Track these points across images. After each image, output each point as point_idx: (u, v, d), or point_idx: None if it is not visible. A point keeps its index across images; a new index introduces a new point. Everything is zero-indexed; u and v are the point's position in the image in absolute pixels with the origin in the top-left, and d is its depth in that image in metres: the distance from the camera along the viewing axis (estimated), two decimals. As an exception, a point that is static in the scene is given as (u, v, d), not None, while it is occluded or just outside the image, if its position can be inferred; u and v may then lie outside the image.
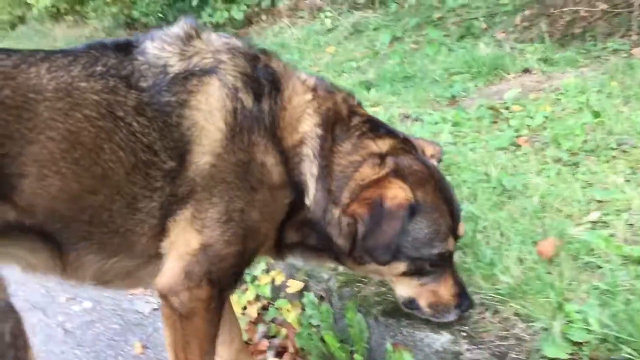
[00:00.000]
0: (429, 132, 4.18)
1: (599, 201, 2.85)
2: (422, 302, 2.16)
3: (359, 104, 2.18)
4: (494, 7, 6.64)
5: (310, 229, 2.07)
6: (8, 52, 1.71)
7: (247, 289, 3.14)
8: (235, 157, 1.81)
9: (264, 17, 9.88)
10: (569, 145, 3.49)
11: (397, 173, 1.98)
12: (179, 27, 1.95)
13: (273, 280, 3.03)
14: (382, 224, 1.89)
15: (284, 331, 2.82)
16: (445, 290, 2.13)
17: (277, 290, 3.07)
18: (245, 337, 2.84)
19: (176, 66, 1.83)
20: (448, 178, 2.37)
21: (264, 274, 3.12)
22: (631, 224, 2.60)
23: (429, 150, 2.19)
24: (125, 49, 1.85)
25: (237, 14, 9.80)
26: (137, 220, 1.80)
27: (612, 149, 3.38)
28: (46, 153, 1.62)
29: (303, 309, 2.77)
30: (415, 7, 7.58)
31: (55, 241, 1.78)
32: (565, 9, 5.36)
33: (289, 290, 2.87)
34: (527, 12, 5.91)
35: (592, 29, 5.48)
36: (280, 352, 2.76)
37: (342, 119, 2.05)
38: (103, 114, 1.69)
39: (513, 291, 2.24)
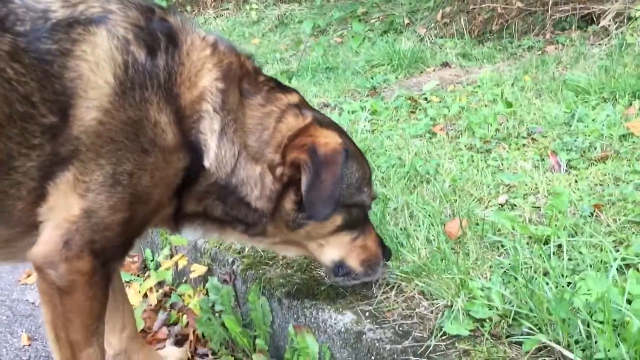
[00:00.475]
0: (347, 120, 4.12)
1: (508, 185, 2.86)
2: (353, 262, 2.10)
3: (260, 68, 2.07)
4: (417, 4, 6.71)
5: (215, 198, 1.89)
6: None
7: (149, 276, 2.96)
8: (125, 114, 1.63)
9: (188, 7, 9.63)
10: (482, 134, 3.51)
11: (319, 122, 1.95)
12: None
13: (177, 265, 2.87)
14: (321, 172, 1.81)
15: (185, 318, 2.66)
16: (372, 242, 2.11)
17: (181, 276, 2.91)
18: (142, 325, 2.66)
19: (59, 12, 1.63)
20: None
21: (167, 259, 2.95)
22: (537, 207, 2.62)
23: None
24: None
25: (161, 2, 9.49)
26: (12, 181, 1.59)
27: (523, 137, 3.42)
28: None
29: (207, 295, 2.63)
30: (340, 2, 7.56)
31: None
32: (484, 5, 5.45)
33: (193, 275, 2.71)
34: (447, 9, 5.99)
35: (509, 27, 5.61)
36: (181, 340, 2.60)
37: (249, 73, 1.93)
38: None
39: (418, 270, 2.19)
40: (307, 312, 2.20)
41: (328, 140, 1.87)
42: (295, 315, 2.25)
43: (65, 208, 1.63)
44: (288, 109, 1.94)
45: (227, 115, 1.81)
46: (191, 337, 2.55)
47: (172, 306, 2.78)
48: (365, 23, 6.82)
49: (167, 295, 2.87)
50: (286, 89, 2.03)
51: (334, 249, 2.08)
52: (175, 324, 2.69)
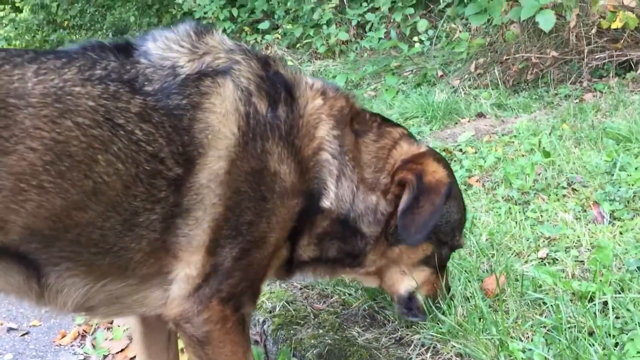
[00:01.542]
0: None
1: (548, 238, 2.75)
2: (422, 293, 2.15)
3: (363, 106, 2.15)
4: (450, 56, 6.72)
5: (332, 237, 1.94)
6: None
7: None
8: (248, 165, 1.66)
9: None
10: (520, 184, 3.42)
11: (433, 155, 2.04)
12: (186, 26, 1.80)
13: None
14: (421, 198, 1.88)
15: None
16: (441, 281, 2.17)
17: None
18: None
19: (187, 67, 1.67)
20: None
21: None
22: (580, 261, 2.50)
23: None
24: (126, 50, 1.68)
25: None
26: (135, 236, 1.59)
27: (563, 187, 3.31)
28: (25, 165, 1.42)
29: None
30: (373, 56, 7.65)
31: (32, 262, 1.54)
32: (517, 55, 5.42)
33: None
34: (480, 60, 5.98)
35: (544, 76, 5.55)
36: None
37: (358, 113, 2.01)
38: (99, 122, 1.50)
39: (455, 330, 2.08)
40: (339, 375, 2.11)
41: (437, 171, 1.94)
42: (327, 378, 2.16)
43: (195, 264, 1.67)
44: (402, 137, 2.04)
45: (344, 157, 1.88)
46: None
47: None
48: (398, 76, 6.86)
49: None
50: (393, 123, 2.13)
51: (412, 278, 2.11)
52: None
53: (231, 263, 1.69)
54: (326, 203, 1.86)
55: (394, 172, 1.96)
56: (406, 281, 2.13)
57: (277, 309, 2.58)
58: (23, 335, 3.45)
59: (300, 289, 2.77)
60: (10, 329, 3.53)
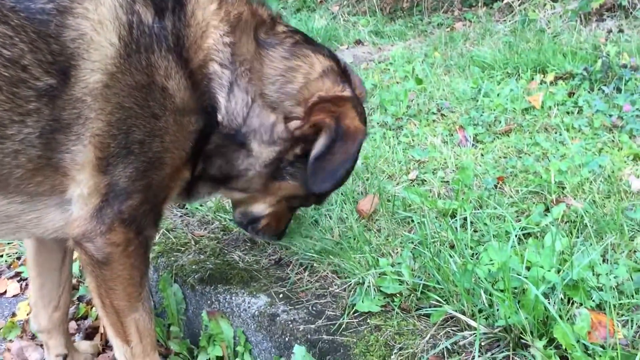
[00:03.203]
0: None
1: (419, 161, 2.92)
2: (263, 222, 2.18)
3: (280, 16, 1.99)
4: (330, -19, 6.68)
5: (217, 154, 1.87)
6: None
7: (55, 269, 2.82)
8: (132, 79, 1.56)
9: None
10: (394, 111, 3.56)
11: (355, 103, 1.91)
12: None
13: (83, 257, 2.75)
14: (336, 145, 1.82)
15: (94, 311, 2.56)
16: (286, 219, 2.21)
17: (90, 268, 2.79)
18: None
19: None
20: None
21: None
22: (446, 181, 2.69)
23: (357, 90, 2.04)
24: None
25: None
26: (7, 149, 1.49)
27: (433, 113, 3.50)
28: None
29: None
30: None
31: None
32: (394, -17, 5.50)
33: (101, 266, 2.60)
34: (360, -14, 6.01)
35: (419, 4, 5.70)
36: (91, 333, 2.50)
37: (264, 23, 1.86)
38: None
39: (331, 249, 2.20)
40: (221, 298, 2.17)
41: (355, 119, 1.86)
42: (209, 301, 2.21)
43: (90, 184, 1.61)
44: (328, 71, 1.90)
45: (237, 66, 1.77)
46: (102, 330, 2.46)
47: (79, 299, 2.67)
48: (278, 1, 6.73)
49: (74, 288, 2.75)
50: (316, 46, 1.97)
51: (266, 206, 2.12)
52: (84, 317, 2.59)
53: (127, 183, 1.65)
54: (219, 117, 1.78)
55: (310, 108, 1.85)
56: (260, 205, 2.13)
57: (158, 237, 2.56)
58: None
59: (181, 216, 2.76)
60: None
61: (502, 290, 1.74)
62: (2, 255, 3.18)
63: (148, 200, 1.73)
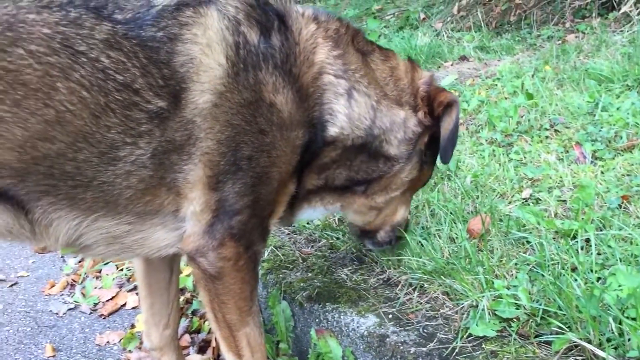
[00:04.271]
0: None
1: (532, 179, 2.78)
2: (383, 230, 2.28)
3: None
4: (432, -2, 6.63)
5: (339, 165, 1.96)
6: None
7: (170, 283, 2.94)
8: (240, 96, 1.63)
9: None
10: (503, 127, 3.44)
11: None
12: None
13: (196, 272, 2.84)
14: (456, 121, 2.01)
15: (207, 325, 2.64)
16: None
17: (202, 283, 2.88)
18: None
19: None
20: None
21: (186, 266, 2.93)
22: (563, 200, 2.54)
23: None
24: None
25: None
26: (120, 171, 1.57)
27: (545, 129, 3.33)
28: None
29: (228, 301, 2.59)
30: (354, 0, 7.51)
31: (14, 199, 1.54)
32: (500, -4, 5.36)
33: (213, 281, 2.68)
34: (463, 2, 5.90)
35: (527, 17, 5.50)
36: (204, 347, 2.58)
37: (357, 34, 1.98)
38: (55, 49, 1.44)
39: (442, 269, 2.13)
40: (329, 316, 2.16)
41: (446, 91, 2.07)
42: (317, 320, 2.21)
43: (202, 201, 1.68)
44: (410, 62, 2.09)
45: (352, 74, 1.87)
46: (213, 344, 2.53)
47: (193, 313, 2.76)
48: (380, 20, 6.76)
49: (188, 302, 2.85)
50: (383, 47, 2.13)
51: (404, 210, 2.25)
52: (197, 331, 2.67)
53: (236, 199, 1.70)
54: (334, 130, 1.85)
55: (429, 94, 2.02)
56: (404, 209, 2.25)
57: (266, 254, 2.61)
58: (11, 286, 3.46)
59: (288, 234, 2.80)
60: (-2, 281, 3.55)
61: (633, 319, 1.60)
62: (122, 269, 3.36)
63: (256, 215, 1.78)
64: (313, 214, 2.13)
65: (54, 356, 2.70)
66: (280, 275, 2.45)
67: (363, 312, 2.09)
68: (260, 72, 1.67)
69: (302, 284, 2.35)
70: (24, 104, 1.41)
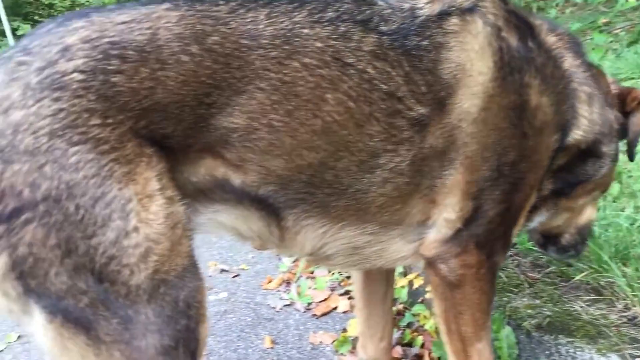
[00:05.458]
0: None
1: None
2: (567, 236, 2.21)
3: None
4: (673, 9, 5.92)
5: (564, 169, 1.93)
6: None
7: (382, 292, 2.95)
8: (507, 100, 1.64)
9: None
10: None
11: None
12: None
13: (411, 284, 2.82)
14: None
15: (420, 339, 2.59)
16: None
17: (415, 295, 2.85)
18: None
19: (425, 8, 1.65)
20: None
21: (401, 277, 2.92)
22: None
23: None
24: None
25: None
26: (377, 179, 1.60)
27: None
28: (255, 104, 1.45)
29: (443, 318, 2.53)
30: (578, 12, 7.00)
31: (271, 206, 1.60)
32: None
33: (429, 296, 2.64)
34: None
35: None
36: (415, 361, 2.54)
37: (579, 44, 1.98)
38: (326, 62, 1.49)
39: None
40: (563, 350, 1.98)
41: None
42: (547, 352, 2.04)
43: (456, 208, 1.67)
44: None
45: (589, 81, 1.88)
46: (426, 359, 2.47)
47: (408, 325, 2.73)
48: (607, 34, 6.21)
49: (399, 313, 2.84)
50: None
51: (591, 211, 2.17)
52: (409, 344, 2.64)
53: (491, 206, 1.66)
54: (577, 133, 1.85)
55: (622, 93, 2.01)
56: (589, 211, 2.16)
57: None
58: (234, 277, 3.76)
59: (510, 256, 2.65)
60: (222, 270, 3.87)
61: None
62: (333, 274, 3.47)
63: (504, 224, 1.72)
64: (534, 221, 2.04)
65: (272, 348, 2.86)
66: (504, 299, 2.32)
67: (604, 351, 1.88)
68: (525, 75, 1.66)
69: (529, 311, 2.20)
70: (295, 114, 1.48)
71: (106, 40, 1.32)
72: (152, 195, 1.31)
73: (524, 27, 1.74)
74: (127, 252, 1.26)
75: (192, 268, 1.39)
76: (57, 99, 1.25)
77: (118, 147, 1.28)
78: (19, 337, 3.31)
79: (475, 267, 1.69)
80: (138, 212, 1.27)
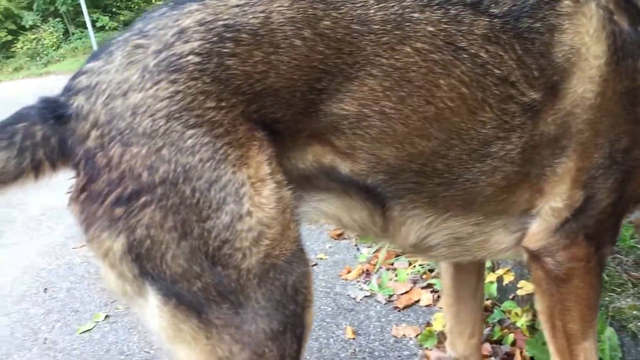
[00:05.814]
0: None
1: None
2: None
3: None
4: None
5: None
6: None
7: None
8: (621, 84, 1.57)
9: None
10: None
11: None
12: None
13: (500, 280, 2.73)
14: None
15: (511, 337, 2.50)
16: None
17: (503, 291, 2.76)
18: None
19: None
20: None
21: (489, 272, 2.83)
22: None
23: None
24: None
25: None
26: (487, 168, 1.54)
27: None
28: (366, 90, 1.42)
29: (534, 316, 2.43)
30: None
31: (377, 196, 1.56)
32: None
33: (520, 293, 2.54)
34: None
35: None
36: (506, 359, 2.45)
37: None
38: (439, 46, 1.44)
39: None
40: (676, 355, 1.86)
41: None
42: (656, 356, 1.93)
43: (565, 197, 1.59)
44: None
45: None
46: (518, 358, 2.38)
47: (500, 322, 2.64)
48: None
49: (487, 309, 2.75)
50: None
51: None
52: (499, 341, 2.55)
53: (603, 195, 1.57)
54: None
55: None
56: None
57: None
58: (313, 266, 3.73)
59: (611, 254, 2.51)
60: (301, 260, 3.86)
61: None
62: (414, 266, 3.41)
63: (615, 214, 1.63)
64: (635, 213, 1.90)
65: (353, 338, 2.83)
66: (606, 298, 2.20)
67: None
68: (638, 60, 1.57)
69: (635, 312, 2.08)
70: (408, 101, 1.43)
71: (221, 22, 1.31)
72: (264, 179, 1.30)
73: (634, 11, 1.64)
74: (240, 236, 1.25)
75: (300, 253, 1.38)
76: (174, 81, 1.25)
77: (231, 131, 1.28)
78: (106, 316, 3.43)
79: (585, 260, 1.61)
80: (251, 195, 1.27)
